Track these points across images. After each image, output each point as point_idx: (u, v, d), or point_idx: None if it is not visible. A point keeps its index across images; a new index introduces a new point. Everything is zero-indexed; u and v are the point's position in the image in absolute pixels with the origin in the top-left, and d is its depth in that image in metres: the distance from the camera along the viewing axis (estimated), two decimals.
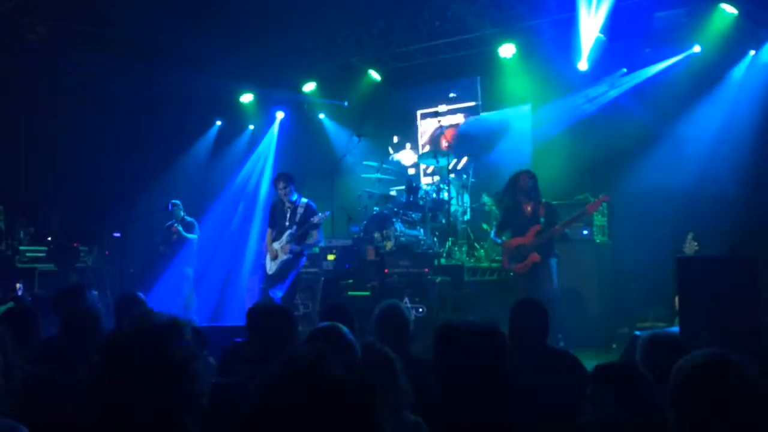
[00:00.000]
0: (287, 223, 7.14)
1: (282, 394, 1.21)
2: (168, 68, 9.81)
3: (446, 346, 2.18)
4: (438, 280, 7.24)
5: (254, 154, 11.54)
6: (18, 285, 8.12)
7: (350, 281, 8.11)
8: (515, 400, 2.14)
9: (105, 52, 9.42)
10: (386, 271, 7.56)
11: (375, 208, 8.74)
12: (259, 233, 10.25)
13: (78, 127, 10.06)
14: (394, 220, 8.15)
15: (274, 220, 7.31)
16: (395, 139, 10.81)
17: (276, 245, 7.14)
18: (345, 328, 2.67)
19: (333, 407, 1.19)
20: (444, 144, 9.65)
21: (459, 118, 10.36)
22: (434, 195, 8.45)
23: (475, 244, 8.50)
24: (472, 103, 10.24)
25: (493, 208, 8.75)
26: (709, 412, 1.66)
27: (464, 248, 8.29)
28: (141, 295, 4.31)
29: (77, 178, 10.19)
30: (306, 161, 10.56)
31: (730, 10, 7.70)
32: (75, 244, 9.50)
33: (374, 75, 10.45)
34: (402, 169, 10.56)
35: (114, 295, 8.55)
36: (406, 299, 6.96)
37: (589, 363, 3.61)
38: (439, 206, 8.39)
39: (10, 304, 3.28)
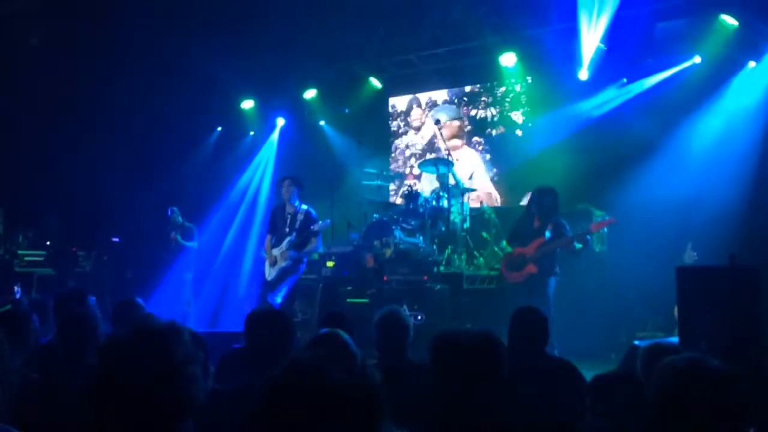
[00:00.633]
0: (287, 230, 7.13)
1: (285, 399, 1.20)
2: (169, 74, 9.83)
3: (443, 354, 2.17)
4: (437, 287, 7.22)
5: (254, 161, 11.54)
6: (15, 288, 8.11)
7: (349, 288, 8.09)
8: (513, 408, 2.13)
9: (105, 58, 9.44)
10: (385, 278, 7.55)
11: (374, 215, 8.73)
12: (258, 239, 10.24)
13: (78, 132, 10.07)
14: (393, 227, 8.14)
15: (274, 227, 7.30)
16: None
17: (275, 251, 7.13)
18: (346, 335, 2.66)
19: (336, 412, 1.19)
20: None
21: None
22: (434, 202, 8.45)
23: (475, 252, 8.49)
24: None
25: (493, 216, 8.74)
26: (690, 416, 1.67)
27: (463, 256, 8.28)
28: (139, 300, 4.30)
29: (76, 182, 10.18)
30: (306, 168, 10.54)
31: (731, 21, 7.72)
32: (73, 249, 9.50)
33: (375, 82, 10.47)
34: (401, 176, 10.57)
35: (112, 300, 8.52)
36: (405, 306, 6.94)
37: (588, 372, 3.60)
38: (439, 214, 8.39)
39: (7, 307, 3.26)
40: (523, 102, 9.74)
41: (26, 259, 9.03)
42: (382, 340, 3.40)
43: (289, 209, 7.20)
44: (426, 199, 8.47)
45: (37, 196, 10.10)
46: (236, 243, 10.86)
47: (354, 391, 1.22)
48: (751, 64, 7.93)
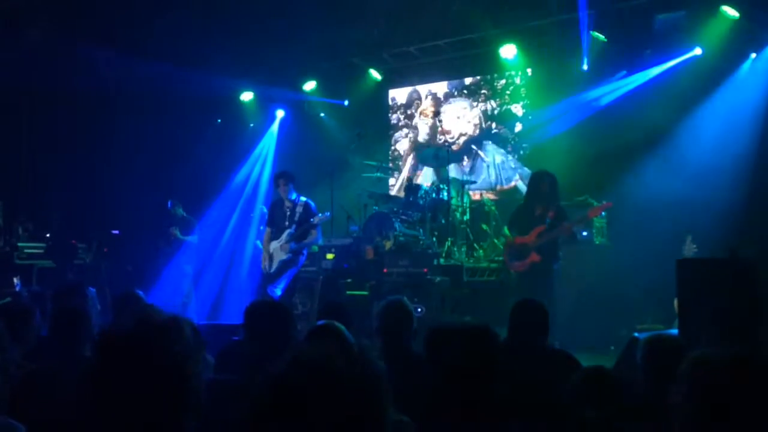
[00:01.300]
0: (286, 223, 7.16)
1: (289, 389, 1.20)
2: (169, 66, 9.80)
3: (437, 347, 2.17)
4: (437, 280, 7.23)
5: (254, 153, 11.52)
6: (15, 280, 8.11)
7: (349, 280, 8.09)
8: (510, 400, 2.13)
9: (105, 49, 9.40)
10: (385, 270, 7.54)
11: (374, 208, 8.73)
12: (258, 231, 10.24)
13: (77, 124, 10.05)
14: (393, 219, 8.14)
15: (273, 220, 7.33)
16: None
17: (275, 244, 7.16)
18: (342, 327, 2.66)
19: (342, 403, 1.18)
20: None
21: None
22: (434, 195, 8.45)
23: (475, 245, 8.49)
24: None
25: (493, 208, 8.74)
26: (734, 411, 1.63)
27: (463, 248, 8.29)
28: (140, 292, 4.30)
29: (76, 175, 10.17)
30: (306, 160, 10.54)
31: (732, 12, 7.70)
32: (73, 241, 9.48)
33: (375, 74, 10.45)
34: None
35: (112, 293, 8.52)
36: (405, 299, 6.94)
37: (587, 364, 3.60)
38: (439, 206, 8.38)
39: (7, 299, 3.27)
40: (523, 94, 9.72)
41: (26, 251, 9.02)
42: (384, 329, 3.40)
43: (287, 203, 7.23)
44: (426, 192, 8.46)
45: (37, 189, 10.10)
46: (236, 235, 10.85)
47: (360, 382, 1.21)
48: (752, 55, 7.90)
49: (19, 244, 9.00)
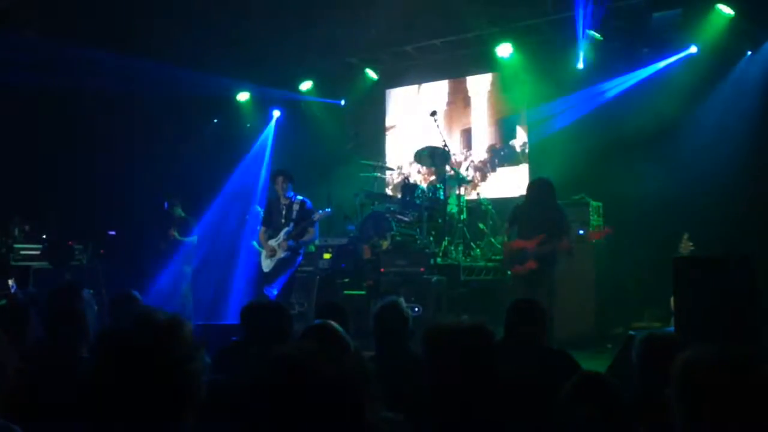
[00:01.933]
0: (283, 221, 7.16)
1: (268, 393, 1.20)
2: (165, 66, 9.78)
3: (434, 347, 2.17)
4: (434, 279, 7.23)
5: (251, 153, 11.51)
6: (10, 282, 8.08)
7: (346, 280, 8.09)
8: (508, 399, 2.13)
9: (101, 49, 9.38)
10: (382, 270, 7.55)
11: (371, 207, 8.73)
12: (254, 231, 10.23)
13: (73, 125, 10.02)
14: (390, 219, 8.14)
15: (270, 219, 7.33)
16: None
17: (272, 242, 7.16)
18: (338, 326, 2.66)
19: (319, 405, 1.19)
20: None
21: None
22: (431, 194, 8.45)
23: (472, 244, 8.49)
24: None
25: (490, 207, 8.74)
26: (727, 411, 1.63)
27: (460, 248, 8.29)
28: (136, 293, 4.30)
29: (72, 176, 10.15)
30: (303, 160, 10.54)
31: (727, 10, 7.71)
32: (70, 243, 9.46)
33: (371, 74, 10.44)
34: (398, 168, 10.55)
35: (109, 294, 8.51)
36: (402, 298, 6.93)
37: (585, 363, 3.61)
38: (436, 205, 8.38)
39: (3, 301, 3.26)
40: (520, 93, 9.72)
41: (22, 252, 9.00)
42: (381, 331, 3.41)
43: (284, 201, 7.23)
44: (423, 191, 8.46)
45: (33, 190, 10.06)
46: (233, 235, 10.84)
47: (338, 383, 1.22)
48: (748, 53, 7.92)
49: (15, 246, 8.98)
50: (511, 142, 9.85)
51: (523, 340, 3.43)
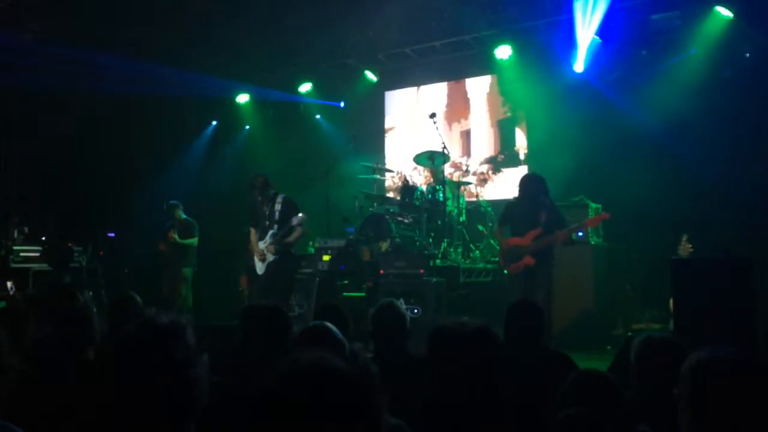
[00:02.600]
0: (267, 223, 7.16)
1: (287, 390, 1.20)
2: (164, 68, 9.79)
3: (440, 348, 2.18)
4: (433, 281, 7.24)
5: (250, 155, 11.51)
6: (9, 284, 8.09)
7: (345, 282, 8.09)
8: (510, 401, 2.14)
9: (100, 50, 9.39)
10: (381, 272, 7.55)
11: (370, 209, 8.73)
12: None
13: (72, 127, 10.03)
14: (389, 221, 8.14)
15: (256, 220, 7.32)
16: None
17: (261, 245, 7.17)
18: (334, 327, 2.67)
19: (339, 400, 1.19)
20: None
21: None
22: (430, 196, 8.45)
23: (471, 246, 8.50)
24: None
25: (489, 209, 8.75)
26: (735, 413, 1.63)
27: (460, 249, 8.29)
28: (136, 295, 4.29)
29: (72, 177, 10.15)
30: (302, 161, 10.55)
31: (725, 12, 7.73)
32: (69, 244, 9.46)
33: (370, 76, 10.45)
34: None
35: (108, 296, 8.52)
36: (402, 300, 6.95)
37: (584, 364, 3.62)
38: (435, 207, 8.39)
39: (2, 303, 3.26)
40: (519, 95, 9.73)
41: (21, 254, 9.00)
42: (378, 332, 3.42)
43: (264, 203, 7.18)
44: (422, 193, 8.47)
45: (32, 191, 10.07)
46: (232, 237, 10.83)
47: (358, 385, 1.22)
48: (746, 55, 7.93)
49: (15, 248, 8.98)
50: (514, 148, 9.85)
51: (522, 342, 3.44)
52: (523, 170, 9.61)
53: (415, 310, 6.96)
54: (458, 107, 10.42)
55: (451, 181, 8.68)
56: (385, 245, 7.97)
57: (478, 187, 9.81)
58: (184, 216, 9.50)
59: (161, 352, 1.51)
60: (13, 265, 8.80)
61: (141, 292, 4.30)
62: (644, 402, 2.58)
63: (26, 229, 9.40)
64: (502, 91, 9.93)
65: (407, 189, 8.57)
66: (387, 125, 11.07)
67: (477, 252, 8.45)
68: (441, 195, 8.38)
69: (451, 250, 8.20)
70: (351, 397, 1.20)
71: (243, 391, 2.42)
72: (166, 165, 10.93)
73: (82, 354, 3.06)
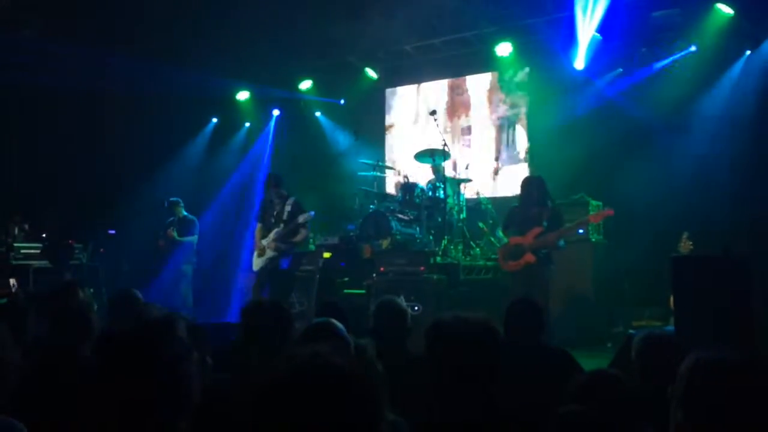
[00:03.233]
0: (273, 221, 7.24)
1: (288, 386, 1.20)
2: (164, 65, 9.79)
3: (439, 343, 2.17)
4: (434, 278, 7.24)
5: (250, 152, 11.52)
6: (12, 281, 8.09)
7: (346, 279, 8.10)
8: (509, 398, 2.13)
9: (100, 48, 9.39)
10: (382, 269, 7.55)
11: (371, 207, 8.73)
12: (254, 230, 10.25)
13: (73, 124, 10.03)
14: (390, 218, 8.14)
15: (263, 216, 7.44)
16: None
17: (264, 242, 7.25)
18: (338, 324, 2.67)
19: (340, 394, 1.19)
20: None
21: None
22: (430, 193, 8.45)
23: (471, 243, 8.50)
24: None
25: (489, 206, 8.75)
26: (729, 415, 1.63)
27: (460, 247, 8.29)
28: (137, 292, 4.30)
29: (72, 174, 10.15)
30: (302, 159, 10.55)
31: (726, 9, 7.71)
32: (70, 242, 9.47)
33: (371, 73, 10.44)
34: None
35: (109, 293, 8.52)
36: (402, 297, 6.95)
37: (584, 362, 3.62)
38: (435, 205, 8.39)
39: (3, 300, 3.27)
40: (520, 92, 9.73)
41: (22, 251, 9.01)
42: (379, 329, 3.43)
43: (276, 201, 7.31)
44: (422, 190, 8.46)
45: (33, 189, 10.07)
46: (233, 234, 10.85)
47: (356, 374, 1.22)
48: (747, 52, 7.92)
49: (15, 245, 8.99)
50: (514, 145, 9.84)
51: (522, 340, 3.44)
52: (523, 167, 9.61)
53: (416, 308, 6.97)
54: (459, 105, 10.41)
55: (452, 179, 8.68)
56: (385, 242, 7.97)
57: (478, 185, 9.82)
58: (184, 213, 9.51)
59: (151, 347, 1.52)
60: (14, 262, 8.81)
61: (141, 289, 4.31)
62: (645, 400, 2.58)
63: (27, 226, 9.41)
64: (502, 89, 9.92)
65: (407, 186, 8.57)
66: (387, 123, 11.07)
67: (477, 249, 8.45)
68: (441, 192, 8.37)
69: (452, 247, 8.20)
70: (350, 393, 1.20)
71: (244, 388, 2.42)
72: (167, 162, 10.93)
73: (78, 350, 3.07)
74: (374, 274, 7.61)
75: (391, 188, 10.22)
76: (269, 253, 7.20)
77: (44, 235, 9.49)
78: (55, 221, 9.86)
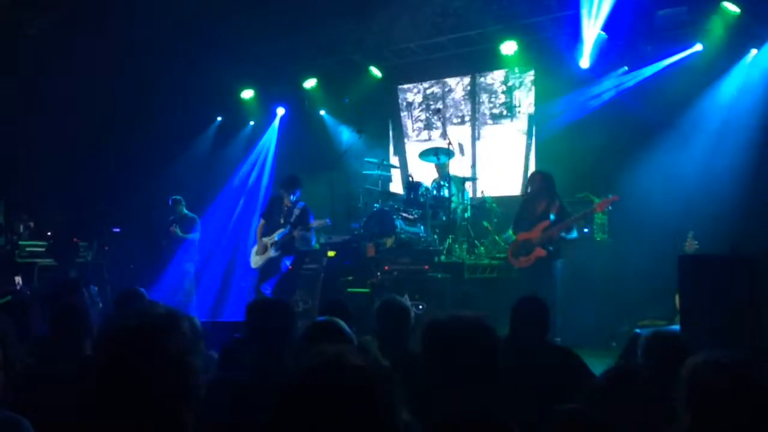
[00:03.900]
0: (281, 221, 7.23)
1: (311, 384, 1.20)
2: (169, 64, 9.80)
3: (434, 343, 2.16)
4: (438, 277, 7.23)
5: (255, 150, 11.53)
6: (17, 279, 8.12)
7: (350, 278, 8.10)
8: (511, 397, 2.12)
9: (105, 46, 9.40)
10: (386, 268, 7.55)
11: (375, 205, 8.73)
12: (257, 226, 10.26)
13: (78, 122, 10.05)
14: (394, 217, 8.14)
15: (270, 214, 7.40)
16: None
17: (266, 239, 7.24)
18: (342, 323, 2.67)
19: (359, 393, 1.19)
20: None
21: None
22: (435, 192, 8.44)
23: (476, 242, 8.49)
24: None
25: (494, 205, 8.74)
26: (733, 416, 1.63)
27: (464, 245, 8.29)
28: (141, 289, 4.31)
29: (77, 173, 10.18)
30: (306, 157, 10.55)
31: (733, 8, 7.67)
32: (75, 239, 9.50)
33: (375, 71, 10.44)
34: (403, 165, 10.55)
35: (114, 291, 8.55)
36: (406, 296, 6.95)
37: (589, 361, 3.61)
38: (440, 203, 8.38)
39: (8, 297, 3.28)
40: (525, 91, 9.71)
41: (27, 249, 9.04)
42: (382, 327, 3.42)
43: (287, 202, 7.29)
44: (427, 189, 8.46)
45: (38, 187, 10.10)
46: (237, 232, 10.86)
47: (374, 373, 1.23)
48: (753, 51, 7.89)
49: (21, 242, 9.02)
50: (519, 143, 9.81)
51: (527, 338, 3.43)
52: (528, 166, 9.59)
53: (420, 306, 6.96)
54: (463, 103, 10.39)
55: (456, 177, 8.67)
56: (389, 241, 7.97)
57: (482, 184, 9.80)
58: (185, 211, 9.52)
59: (155, 343, 1.51)
60: (19, 260, 8.84)
61: (146, 286, 4.32)
62: (650, 398, 2.56)
63: (32, 224, 9.44)
64: (507, 87, 9.89)
65: (412, 185, 8.56)
66: (392, 121, 11.05)
67: (482, 248, 8.44)
68: (446, 191, 8.37)
69: (456, 246, 8.19)
70: (371, 392, 1.21)
71: (249, 386, 2.42)
72: (171, 161, 10.95)
73: (80, 347, 3.08)
74: (378, 273, 7.61)
75: (396, 187, 10.22)
76: (271, 253, 7.18)
77: (49, 233, 9.53)
78: (60, 219, 9.89)
